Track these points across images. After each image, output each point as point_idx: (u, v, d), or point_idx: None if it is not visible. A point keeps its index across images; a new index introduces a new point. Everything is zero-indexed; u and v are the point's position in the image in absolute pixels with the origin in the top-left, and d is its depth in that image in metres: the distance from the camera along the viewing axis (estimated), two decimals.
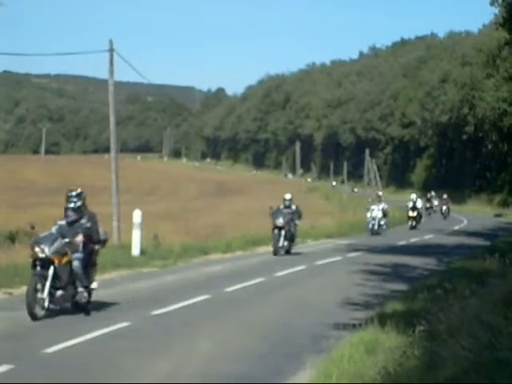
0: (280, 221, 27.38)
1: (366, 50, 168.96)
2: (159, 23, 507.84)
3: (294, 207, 28.77)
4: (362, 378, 8.30)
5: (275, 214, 27.84)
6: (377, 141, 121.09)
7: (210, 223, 37.24)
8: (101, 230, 14.61)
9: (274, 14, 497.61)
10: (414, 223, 46.30)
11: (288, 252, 27.50)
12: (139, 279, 19.57)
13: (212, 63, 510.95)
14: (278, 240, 27.21)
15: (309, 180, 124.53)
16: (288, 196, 29.04)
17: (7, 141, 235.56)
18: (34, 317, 13.09)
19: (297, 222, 28.70)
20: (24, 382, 9.24)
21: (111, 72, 26.38)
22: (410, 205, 46.86)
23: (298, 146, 46.85)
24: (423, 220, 49.87)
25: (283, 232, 27.33)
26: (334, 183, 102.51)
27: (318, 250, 30.08)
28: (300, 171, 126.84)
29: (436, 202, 62.88)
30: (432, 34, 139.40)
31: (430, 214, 59.87)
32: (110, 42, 26.23)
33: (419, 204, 47.48)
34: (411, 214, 46.46)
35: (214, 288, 17.53)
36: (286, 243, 27.52)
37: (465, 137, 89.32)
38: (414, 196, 48.86)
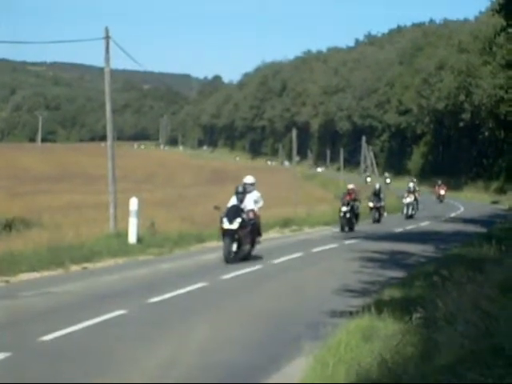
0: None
1: (362, 38, 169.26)
2: (156, 11, 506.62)
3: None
4: (358, 365, 8.30)
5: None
6: (373, 128, 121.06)
7: (206, 211, 37.21)
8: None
9: (271, 1, 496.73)
10: (232, 249, 20.17)
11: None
12: (136, 267, 19.57)
13: (209, 51, 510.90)
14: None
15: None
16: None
17: (3, 129, 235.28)
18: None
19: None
20: (21, 369, 9.24)
21: (107, 60, 26.30)
22: (233, 202, 21.12)
23: (294, 134, 46.80)
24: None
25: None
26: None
27: (314, 237, 30.11)
28: (296, 158, 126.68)
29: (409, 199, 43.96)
30: (429, 21, 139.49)
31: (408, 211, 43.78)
32: (106, 29, 26.16)
33: (250, 203, 21.19)
34: (227, 225, 20.30)
35: (211, 276, 17.51)
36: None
37: (461, 124, 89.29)
38: (239, 189, 21.33)
